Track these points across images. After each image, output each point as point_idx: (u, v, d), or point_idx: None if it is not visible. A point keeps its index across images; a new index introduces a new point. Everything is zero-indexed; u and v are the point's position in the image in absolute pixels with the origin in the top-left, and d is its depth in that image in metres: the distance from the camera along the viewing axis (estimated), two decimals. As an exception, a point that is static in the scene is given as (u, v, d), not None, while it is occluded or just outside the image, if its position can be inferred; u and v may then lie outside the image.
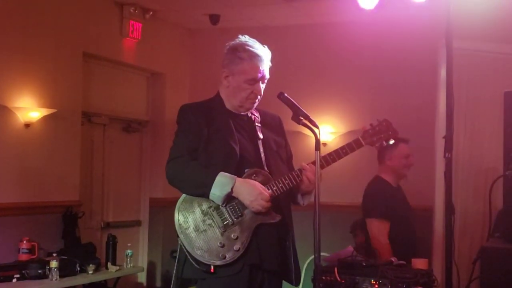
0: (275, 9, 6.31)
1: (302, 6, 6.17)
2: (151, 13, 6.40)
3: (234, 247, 2.78)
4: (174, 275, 2.91)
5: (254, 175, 2.86)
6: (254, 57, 2.90)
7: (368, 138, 2.99)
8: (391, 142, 3.05)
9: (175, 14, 6.61)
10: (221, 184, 2.77)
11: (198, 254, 2.78)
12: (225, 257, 2.77)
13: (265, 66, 2.93)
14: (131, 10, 6.20)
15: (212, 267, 2.77)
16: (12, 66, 5.06)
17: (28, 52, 5.20)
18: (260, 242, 2.83)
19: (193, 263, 2.79)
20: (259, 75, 2.91)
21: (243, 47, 2.92)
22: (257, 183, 2.83)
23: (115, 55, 6.24)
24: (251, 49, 2.91)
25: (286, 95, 2.81)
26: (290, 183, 2.87)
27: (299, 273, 2.98)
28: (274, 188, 2.84)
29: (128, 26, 6.22)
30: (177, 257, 2.88)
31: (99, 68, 6.20)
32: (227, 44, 3.00)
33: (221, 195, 2.78)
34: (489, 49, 4.95)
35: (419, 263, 3.47)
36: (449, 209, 3.13)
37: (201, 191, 2.82)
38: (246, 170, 2.86)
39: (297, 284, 2.97)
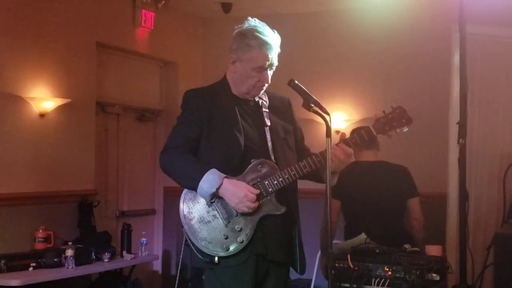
0: (287, -4, 6.29)
1: (314, -7, 6.15)
2: (163, 2, 6.39)
3: (238, 239, 2.75)
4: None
5: (260, 165, 2.80)
6: (263, 45, 2.81)
7: (380, 126, 2.86)
8: (405, 130, 2.92)
9: (187, 3, 6.60)
10: (209, 182, 2.72)
11: (202, 245, 2.76)
12: (228, 249, 2.75)
13: (274, 53, 2.85)
14: (144, 0, 6.21)
15: (216, 258, 2.75)
16: (26, 57, 5.08)
17: (42, 43, 5.22)
18: (265, 232, 2.79)
19: (197, 253, 2.78)
20: (268, 63, 2.83)
21: (252, 33, 2.84)
22: (243, 184, 2.75)
23: (128, 44, 6.24)
24: (260, 36, 2.82)
25: (296, 82, 2.77)
26: (297, 174, 2.79)
27: (305, 263, 2.94)
28: (280, 179, 2.77)
29: (141, 15, 6.22)
30: (183, 244, 2.88)
31: (112, 57, 6.21)
32: (236, 27, 2.92)
33: (207, 193, 2.74)
34: (503, 34, 4.90)
35: (433, 250, 3.47)
36: (463, 195, 3.12)
37: (190, 185, 2.79)
38: (252, 161, 2.80)
39: (302, 273, 2.95)
